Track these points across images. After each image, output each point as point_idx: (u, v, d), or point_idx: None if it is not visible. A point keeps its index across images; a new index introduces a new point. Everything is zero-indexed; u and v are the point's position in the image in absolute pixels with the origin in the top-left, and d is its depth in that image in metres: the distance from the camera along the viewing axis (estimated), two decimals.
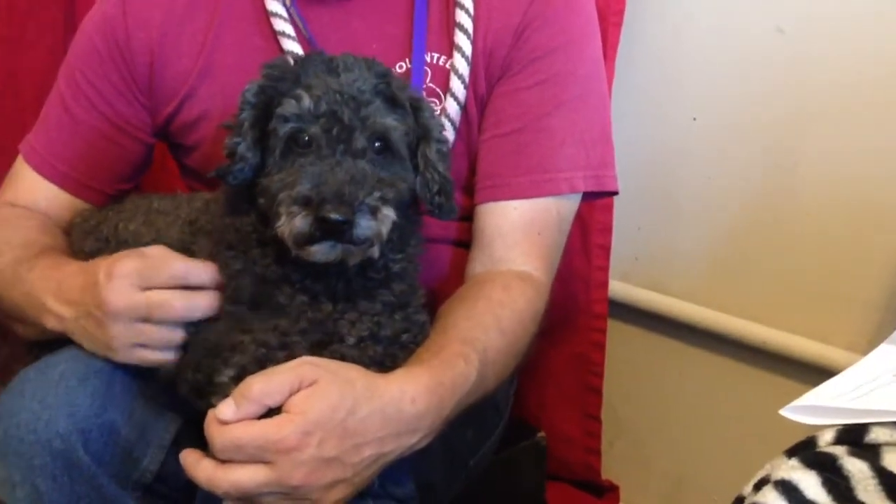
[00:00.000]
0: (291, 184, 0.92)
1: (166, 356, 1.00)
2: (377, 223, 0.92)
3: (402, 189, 0.98)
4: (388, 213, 0.93)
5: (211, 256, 1.02)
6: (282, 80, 0.98)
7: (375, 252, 0.95)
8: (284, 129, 0.95)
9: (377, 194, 0.92)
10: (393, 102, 0.98)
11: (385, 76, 0.99)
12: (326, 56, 1.00)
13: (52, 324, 1.05)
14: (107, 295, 0.97)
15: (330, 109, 0.94)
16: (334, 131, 0.93)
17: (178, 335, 1.00)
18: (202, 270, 1.00)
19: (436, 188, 1.01)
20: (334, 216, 0.89)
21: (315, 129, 0.94)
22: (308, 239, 0.91)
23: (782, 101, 1.47)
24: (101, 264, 1.00)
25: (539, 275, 1.17)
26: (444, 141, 1.04)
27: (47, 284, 1.06)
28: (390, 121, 0.96)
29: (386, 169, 0.96)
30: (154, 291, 0.98)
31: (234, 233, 1.01)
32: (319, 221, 0.89)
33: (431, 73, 1.19)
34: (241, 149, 0.98)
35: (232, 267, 1.00)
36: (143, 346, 0.99)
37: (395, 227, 0.96)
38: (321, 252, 0.92)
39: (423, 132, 1.02)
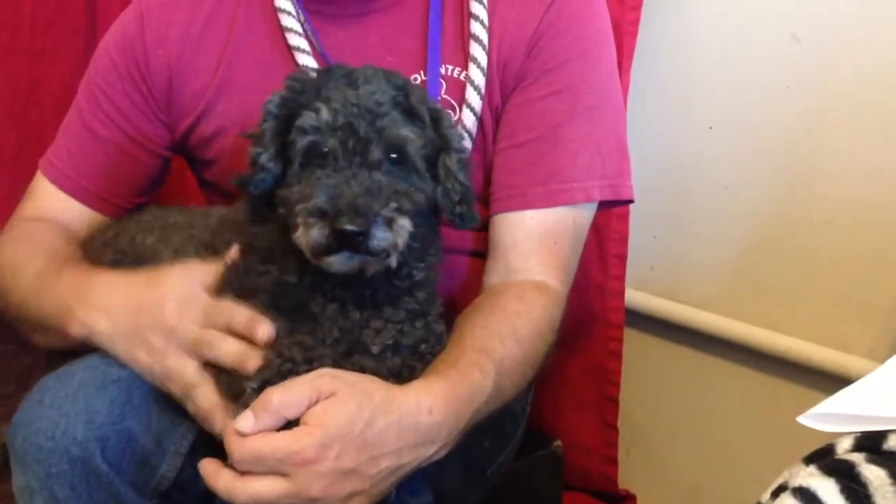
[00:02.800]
0: (308, 196, 0.93)
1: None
2: (392, 234, 0.92)
3: (419, 200, 0.98)
4: (404, 224, 0.94)
5: (243, 267, 1.03)
6: (303, 92, 0.99)
7: (393, 262, 0.95)
8: (303, 141, 0.96)
9: (393, 205, 0.93)
10: (411, 114, 0.99)
11: (403, 88, 1.00)
12: (347, 69, 1.01)
13: (77, 331, 1.05)
14: (163, 314, 0.98)
15: (347, 122, 0.94)
16: (350, 143, 0.94)
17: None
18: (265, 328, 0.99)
19: (457, 198, 1.01)
20: (350, 227, 0.89)
21: (332, 142, 0.94)
22: (325, 250, 0.92)
23: (798, 109, 1.47)
24: (154, 287, 1.01)
25: (556, 284, 1.17)
26: (463, 151, 1.04)
27: (77, 293, 1.06)
28: (406, 132, 0.97)
29: (403, 180, 0.97)
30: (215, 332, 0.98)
31: (262, 241, 1.02)
32: (335, 233, 0.90)
33: (446, 85, 1.20)
34: (263, 159, 0.99)
35: (262, 276, 1.01)
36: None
37: (416, 236, 0.96)
38: (338, 263, 0.93)
39: (442, 142, 1.02)
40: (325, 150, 0.95)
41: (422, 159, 0.99)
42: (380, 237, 0.91)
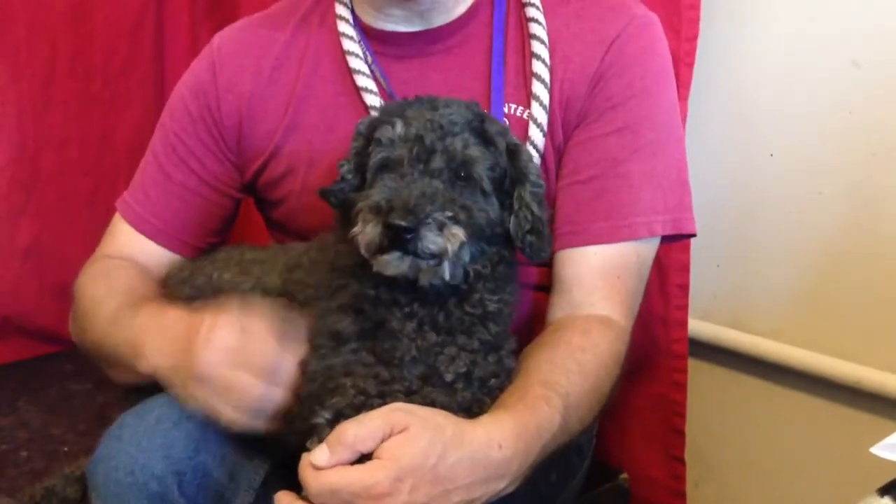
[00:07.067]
0: (370, 196, 0.97)
1: (233, 425, 1.01)
2: (443, 239, 0.95)
3: (479, 217, 1.01)
4: (457, 232, 0.96)
5: (322, 290, 1.07)
6: (389, 113, 1.04)
7: (446, 271, 0.97)
8: (378, 153, 1.01)
9: (448, 213, 0.95)
10: (484, 138, 1.02)
11: (480, 115, 1.04)
12: (433, 97, 1.06)
13: (144, 367, 1.08)
14: (198, 360, 0.99)
15: (417, 134, 0.99)
16: (416, 153, 0.98)
17: (248, 418, 1.01)
18: (290, 366, 1.01)
19: (528, 226, 1.04)
20: (398, 222, 0.93)
21: (401, 151, 0.99)
22: (378, 247, 0.95)
23: (860, 134, 1.45)
24: (206, 321, 1.01)
25: (619, 319, 1.18)
26: (539, 185, 1.07)
27: (147, 331, 1.10)
28: (473, 151, 1.00)
29: (466, 196, 1.00)
30: (239, 373, 0.99)
31: (345, 258, 1.05)
32: (387, 228, 0.93)
33: (509, 125, 1.22)
34: (344, 170, 1.06)
35: (341, 290, 1.04)
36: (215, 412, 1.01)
37: (478, 258, 1.01)
38: (390, 262, 0.96)
39: (519, 175, 1.05)
40: (395, 158, 0.99)
41: (489, 182, 1.02)
42: (430, 239, 0.94)
